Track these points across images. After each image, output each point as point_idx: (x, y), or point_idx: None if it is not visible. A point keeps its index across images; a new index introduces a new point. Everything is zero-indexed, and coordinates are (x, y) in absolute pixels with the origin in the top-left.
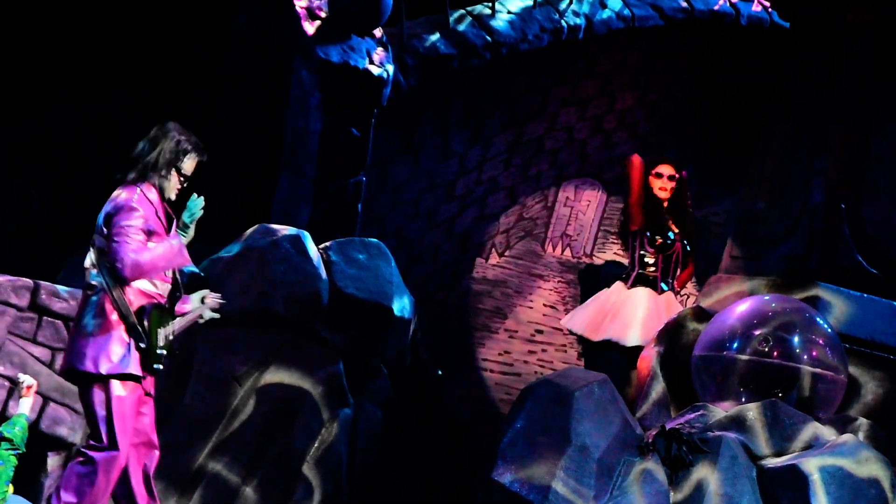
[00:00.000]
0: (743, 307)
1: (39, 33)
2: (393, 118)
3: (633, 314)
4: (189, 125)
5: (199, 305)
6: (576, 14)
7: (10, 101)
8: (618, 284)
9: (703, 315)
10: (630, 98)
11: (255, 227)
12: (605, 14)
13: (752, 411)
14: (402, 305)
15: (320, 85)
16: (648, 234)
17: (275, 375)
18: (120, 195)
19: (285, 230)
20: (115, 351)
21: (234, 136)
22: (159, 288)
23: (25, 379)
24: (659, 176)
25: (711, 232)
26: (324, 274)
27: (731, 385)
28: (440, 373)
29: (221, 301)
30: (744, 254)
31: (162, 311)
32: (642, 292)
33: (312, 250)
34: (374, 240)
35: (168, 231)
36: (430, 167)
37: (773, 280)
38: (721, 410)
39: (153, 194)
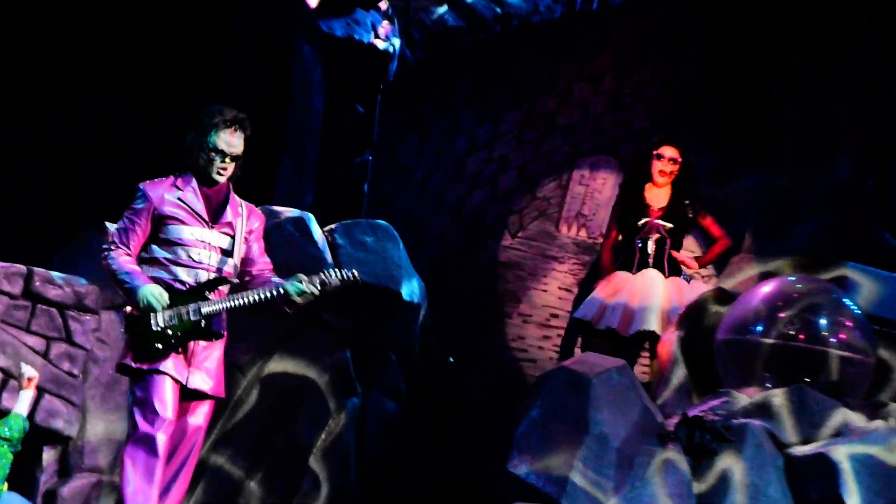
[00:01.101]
0: (767, 288)
1: (38, 32)
2: (399, 95)
3: (648, 297)
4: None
5: (290, 284)
6: None
7: (10, 100)
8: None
9: (725, 297)
10: (646, 71)
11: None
12: None
13: (778, 397)
14: (411, 290)
15: (323, 61)
16: (621, 219)
17: (279, 364)
18: None
19: (289, 212)
20: (125, 343)
21: None
22: (181, 274)
23: (27, 370)
24: (659, 158)
25: (733, 211)
26: (329, 258)
27: (755, 370)
28: (451, 360)
29: (350, 277)
30: (766, 233)
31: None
32: (651, 273)
33: (317, 233)
34: (382, 222)
35: (209, 220)
36: (438, 146)
37: (797, 260)
38: (745, 397)
39: (188, 180)
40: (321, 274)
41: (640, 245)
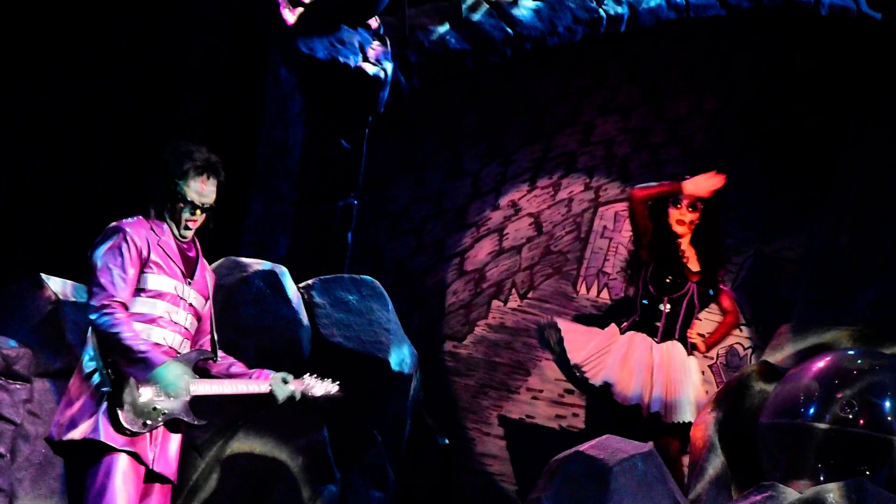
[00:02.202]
0: (821, 364)
1: None
2: (392, 128)
3: (625, 365)
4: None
5: (276, 386)
6: (617, 2)
7: None
8: (611, 327)
9: (771, 373)
10: (683, 106)
11: (221, 260)
12: (654, 2)
13: (833, 493)
14: (400, 358)
15: (303, 86)
16: (654, 272)
17: (244, 444)
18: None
19: (258, 265)
20: (83, 413)
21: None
22: (156, 337)
23: None
24: (676, 204)
25: (782, 271)
26: (305, 319)
27: (806, 460)
28: (447, 442)
29: (331, 391)
30: (822, 298)
31: None
32: (637, 338)
33: (291, 290)
34: (368, 277)
35: (184, 276)
36: (436, 188)
37: (858, 330)
38: (794, 491)
39: (161, 225)
40: (305, 379)
41: (668, 310)
